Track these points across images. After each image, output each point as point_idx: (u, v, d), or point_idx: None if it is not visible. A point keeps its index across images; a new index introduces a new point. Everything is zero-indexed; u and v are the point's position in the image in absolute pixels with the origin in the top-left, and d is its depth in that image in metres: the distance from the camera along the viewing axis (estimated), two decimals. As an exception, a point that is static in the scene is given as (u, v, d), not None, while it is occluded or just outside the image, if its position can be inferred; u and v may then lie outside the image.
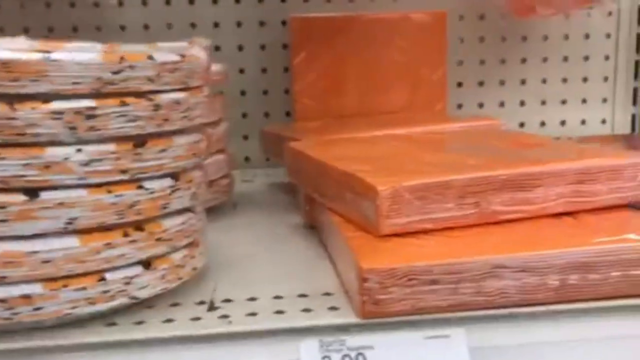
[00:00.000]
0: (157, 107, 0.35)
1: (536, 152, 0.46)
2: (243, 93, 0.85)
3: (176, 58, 0.36)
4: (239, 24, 0.83)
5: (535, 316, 0.36)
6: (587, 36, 0.88)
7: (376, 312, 0.35)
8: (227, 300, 0.40)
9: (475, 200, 0.39)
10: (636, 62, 0.89)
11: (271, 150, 0.72)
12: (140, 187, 0.35)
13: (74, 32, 0.81)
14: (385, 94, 0.81)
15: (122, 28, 0.82)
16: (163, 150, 0.36)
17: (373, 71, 0.80)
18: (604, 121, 0.90)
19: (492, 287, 0.35)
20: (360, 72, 0.80)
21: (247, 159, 0.86)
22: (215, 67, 0.60)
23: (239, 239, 0.53)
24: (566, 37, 0.88)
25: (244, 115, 0.85)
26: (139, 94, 0.34)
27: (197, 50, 0.39)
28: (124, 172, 0.34)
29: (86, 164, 0.33)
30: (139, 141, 0.35)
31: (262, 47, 0.84)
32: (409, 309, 0.35)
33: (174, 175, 0.37)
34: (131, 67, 0.34)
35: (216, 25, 0.83)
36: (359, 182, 0.41)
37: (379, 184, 0.38)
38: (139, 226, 0.36)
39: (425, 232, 0.39)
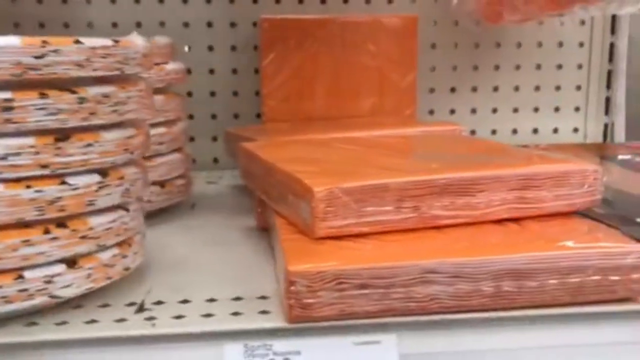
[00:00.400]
0: (81, 100, 0.34)
1: (484, 157, 0.45)
2: (213, 94, 0.84)
3: (108, 43, 0.35)
4: (209, 24, 0.82)
5: (469, 323, 0.35)
6: (560, 44, 0.88)
7: (304, 316, 0.34)
8: (159, 303, 0.39)
9: (414, 204, 0.38)
10: (609, 72, 0.89)
11: (234, 152, 0.71)
12: (64, 182, 0.34)
13: (41, 28, 0.80)
14: (354, 98, 0.80)
15: (90, 25, 0.81)
16: (89, 145, 0.35)
17: (343, 75, 0.80)
18: (576, 130, 0.90)
19: (423, 293, 0.34)
20: (330, 76, 0.80)
21: (215, 160, 0.85)
22: (173, 66, 0.59)
23: (188, 241, 0.52)
24: (540, 44, 0.87)
25: (213, 117, 0.84)
26: (62, 87, 0.33)
27: (134, 37, 0.38)
28: (44, 166, 0.33)
29: (2, 157, 0.32)
30: (62, 135, 0.33)
31: (233, 48, 0.83)
32: (338, 313, 0.34)
33: (102, 171, 0.36)
34: (56, 51, 0.33)
35: (186, 25, 0.82)
36: (297, 183, 0.40)
37: (315, 185, 0.37)
38: (62, 223, 0.35)
39: (363, 235, 0.38)
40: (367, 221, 0.38)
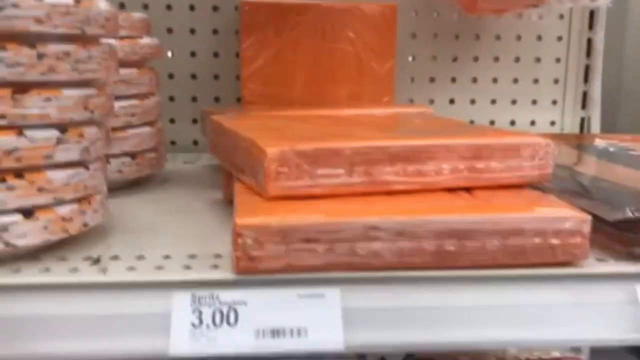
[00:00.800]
0: (41, 55, 0.35)
1: (440, 130, 0.46)
2: (194, 77, 0.85)
3: (69, 2, 0.36)
4: (192, 7, 0.83)
5: (411, 280, 0.36)
6: (539, 38, 0.89)
7: (250, 268, 0.35)
8: (115, 258, 0.40)
9: (366, 168, 0.40)
10: (586, 66, 0.90)
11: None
12: (21, 134, 0.35)
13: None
14: (333, 84, 0.81)
15: (74, 6, 0.82)
16: (48, 100, 0.36)
17: (322, 60, 0.81)
18: (553, 123, 0.91)
19: (366, 249, 0.35)
20: (308, 61, 0.81)
21: (195, 142, 0.86)
22: (147, 40, 0.60)
23: (155, 209, 0.53)
24: (519, 38, 0.89)
25: (194, 99, 0.85)
26: (22, 41, 0.34)
27: (98, 1, 0.39)
28: (1, 117, 0.34)
29: (-40, 105, 0.33)
30: (20, 88, 0.35)
31: (215, 32, 0.84)
32: (284, 266, 0.35)
33: (61, 127, 0.37)
34: (15, 5, 0.34)
35: (169, 7, 0.83)
36: (254, 146, 0.41)
37: (268, 146, 0.39)
38: (19, 174, 0.36)
39: (317, 197, 0.39)
40: (319, 183, 0.39)
